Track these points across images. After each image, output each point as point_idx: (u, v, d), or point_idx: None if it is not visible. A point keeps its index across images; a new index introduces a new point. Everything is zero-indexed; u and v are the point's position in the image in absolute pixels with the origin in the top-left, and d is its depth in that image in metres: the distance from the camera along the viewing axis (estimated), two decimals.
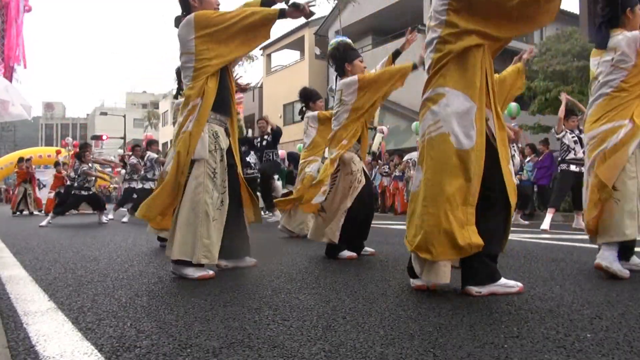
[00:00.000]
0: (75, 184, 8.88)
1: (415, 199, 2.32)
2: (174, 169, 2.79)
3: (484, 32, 2.15)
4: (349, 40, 3.92)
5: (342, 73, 3.67)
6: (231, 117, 3.03)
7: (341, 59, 3.66)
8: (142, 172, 9.19)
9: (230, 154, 2.96)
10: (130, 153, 10.31)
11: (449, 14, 2.19)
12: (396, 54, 3.84)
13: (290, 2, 2.80)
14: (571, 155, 6.99)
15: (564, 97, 6.85)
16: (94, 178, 9.17)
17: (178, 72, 4.33)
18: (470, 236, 2.16)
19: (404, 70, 3.50)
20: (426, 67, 2.37)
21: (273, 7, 2.84)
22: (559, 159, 7.35)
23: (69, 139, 17.56)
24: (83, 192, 8.89)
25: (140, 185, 9.25)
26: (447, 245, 2.17)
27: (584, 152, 6.49)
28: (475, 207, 2.20)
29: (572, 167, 6.92)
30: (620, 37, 2.85)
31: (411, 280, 2.44)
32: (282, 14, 2.76)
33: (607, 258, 2.73)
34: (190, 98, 2.79)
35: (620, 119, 2.81)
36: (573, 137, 6.95)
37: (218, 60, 2.81)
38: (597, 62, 2.97)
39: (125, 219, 8.87)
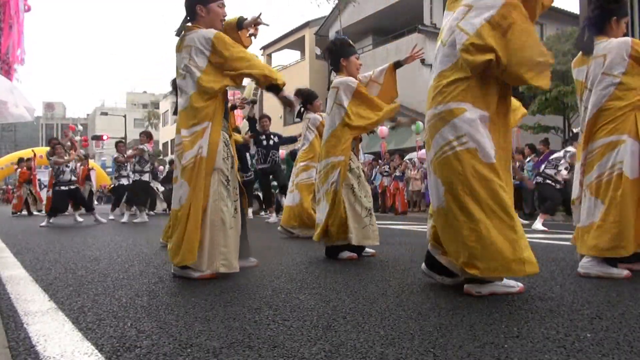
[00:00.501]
0: (57, 179, 8.69)
1: (445, 215, 2.25)
2: (195, 197, 2.69)
3: (499, 56, 2.09)
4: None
5: (337, 68, 3.67)
6: (228, 121, 3.05)
7: (337, 53, 3.65)
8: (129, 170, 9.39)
9: None
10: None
11: (484, 26, 2.10)
12: (397, 65, 3.74)
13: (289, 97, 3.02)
14: (552, 172, 7.25)
15: None
16: (69, 169, 8.80)
17: (174, 84, 4.23)
18: (523, 250, 2.13)
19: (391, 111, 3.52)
20: (436, 63, 2.29)
21: (279, 79, 2.86)
22: (550, 160, 7.50)
23: (80, 127, 17.59)
24: (63, 188, 8.66)
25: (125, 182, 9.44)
26: (496, 260, 2.12)
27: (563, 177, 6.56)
28: None
29: (549, 181, 7.28)
30: (608, 43, 2.76)
31: (439, 277, 2.43)
32: (282, 87, 2.88)
33: (584, 265, 2.77)
34: (199, 120, 2.74)
35: (619, 134, 2.70)
36: (567, 167, 7.09)
37: (216, 85, 2.78)
38: (585, 71, 2.86)
39: (124, 219, 8.87)
